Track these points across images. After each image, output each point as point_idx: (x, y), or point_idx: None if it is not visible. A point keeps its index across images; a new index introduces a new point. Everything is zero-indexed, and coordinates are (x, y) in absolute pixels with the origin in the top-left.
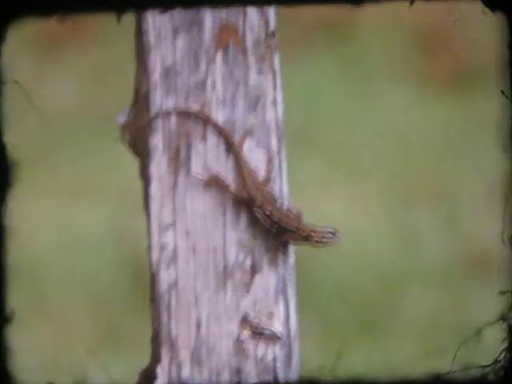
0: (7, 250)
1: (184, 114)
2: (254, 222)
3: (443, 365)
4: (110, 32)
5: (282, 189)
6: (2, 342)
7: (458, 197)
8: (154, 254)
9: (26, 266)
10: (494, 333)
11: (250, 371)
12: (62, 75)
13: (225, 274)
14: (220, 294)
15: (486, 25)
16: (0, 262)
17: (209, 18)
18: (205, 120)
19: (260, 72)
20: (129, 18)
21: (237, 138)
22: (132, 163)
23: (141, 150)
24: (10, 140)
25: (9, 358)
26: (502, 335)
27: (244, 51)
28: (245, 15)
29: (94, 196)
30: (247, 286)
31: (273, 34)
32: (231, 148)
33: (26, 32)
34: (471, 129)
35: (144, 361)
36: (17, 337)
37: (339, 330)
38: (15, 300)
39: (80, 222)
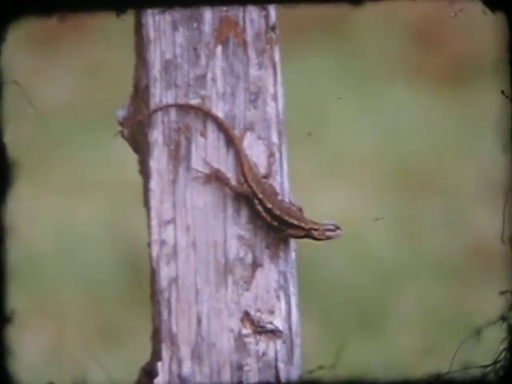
0: (7, 250)
1: (184, 109)
2: (254, 217)
3: (443, 365)
4: (107, 28)
5: (282, 183)
6: (2, 342)
7: (458, 192)
8: (154, 250)
9: (25, 264)
10: (494, 333)
11: (252, 367)
12: (59, 72)
13: (225, 269)
14: (221, 290)
15: (483, 20)
16: (0, 262)
17: (209, 11)
18: (205, 114)
19: (260, 66)
20: (127, 14)
21: (237, 133)
22: (130, 159)
23: (140, 144)
24: (9, 140)
25: (9, 358)
26: (502, 335)
27: (244, 45)
28: (245, 8)
29: (92, 192)
30: (248, 282)
31: (273, 28)
32: (231, 142)
33: (24, 31)
34: (470, 124)
35: (143, 357)
36: (17, 337)
37: (338, 326)
38: (15, 300)
39: (78, 219)
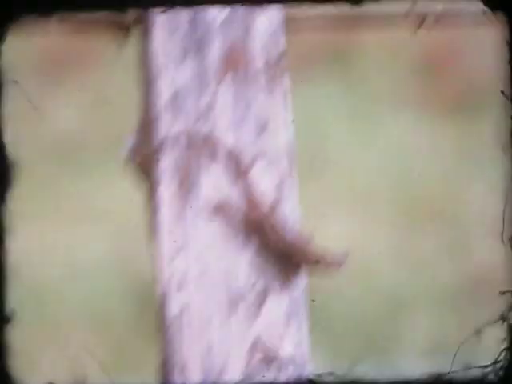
0: (7, 250)
1: (192, 138)
2: (264, 246)
3: (443, 365)
4: (112, 56)
5: (292, 212)
6: (2, 342)
7: (465, 219)
8: (164, 280)
9: (26, 293)
10: (494, 333)
11: None
12: (64, 100)
13: (236, 297)
14: (231, 318)
15: (489, 47)
16: (0, 262)
17: (216, 39)
18: (213, 143)
19: (270, 94)
20: (132, 42)
21: (246, 162)
22: (135, 188)
23: (148, 174)
24: (9, 140)
25: (9, 358)
26: (502, 335)
27: (253, 73)
28: (254, 36)
29: (97, 221)
30: (258, 310)
31: (283, 56)
32: (240, 172)
33: (27, 56)
34: (476, 152)
35: None
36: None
37: (347, 353)
38: (16, 300)
39: (81, 247)
